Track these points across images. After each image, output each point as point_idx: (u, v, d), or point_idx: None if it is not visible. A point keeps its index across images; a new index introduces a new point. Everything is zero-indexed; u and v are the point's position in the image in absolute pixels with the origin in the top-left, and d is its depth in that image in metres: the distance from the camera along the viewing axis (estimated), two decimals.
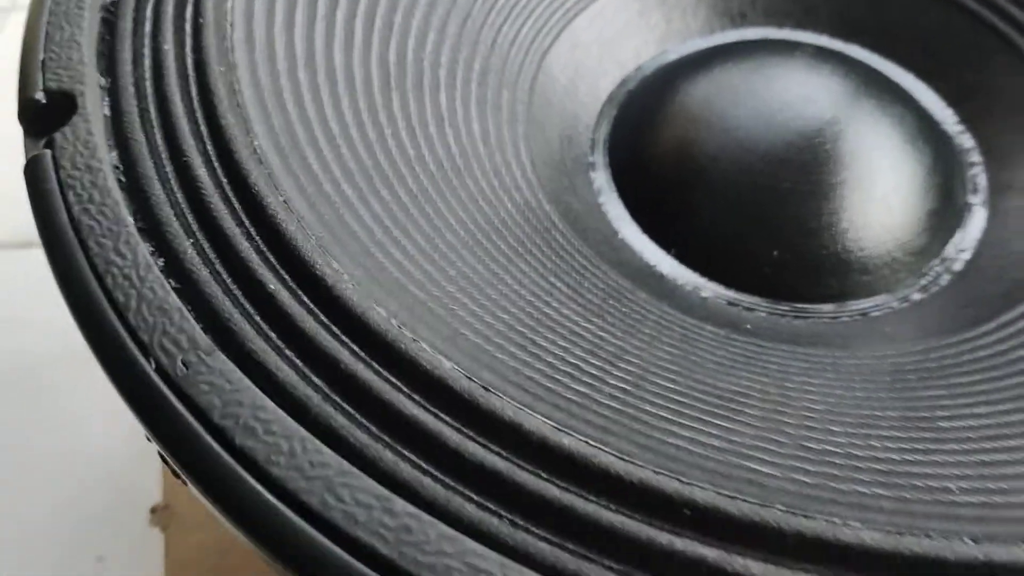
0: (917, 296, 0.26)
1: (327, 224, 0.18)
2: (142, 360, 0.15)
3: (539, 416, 0.15)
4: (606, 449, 0.15)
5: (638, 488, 0.15)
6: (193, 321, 0.16)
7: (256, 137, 0.19)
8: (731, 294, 0.25)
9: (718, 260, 0.26)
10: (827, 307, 0.26)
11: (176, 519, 0.30)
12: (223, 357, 0.15)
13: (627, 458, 0.15)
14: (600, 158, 0.28)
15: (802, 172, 0.26)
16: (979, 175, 0.28)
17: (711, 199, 0.26)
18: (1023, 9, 0.29)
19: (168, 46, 0.20)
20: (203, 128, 0.19)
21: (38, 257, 0.17)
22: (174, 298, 0.16)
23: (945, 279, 0.26)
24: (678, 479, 0.15)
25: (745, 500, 0.15)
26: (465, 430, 0.15)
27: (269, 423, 0.15)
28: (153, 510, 0.30)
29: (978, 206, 0.28)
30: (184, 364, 0.15)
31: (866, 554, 0.14)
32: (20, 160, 0.18)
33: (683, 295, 0.25)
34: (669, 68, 0.30)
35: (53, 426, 0.34)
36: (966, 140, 0.29)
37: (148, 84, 0.19)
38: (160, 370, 0.15)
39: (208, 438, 0.14)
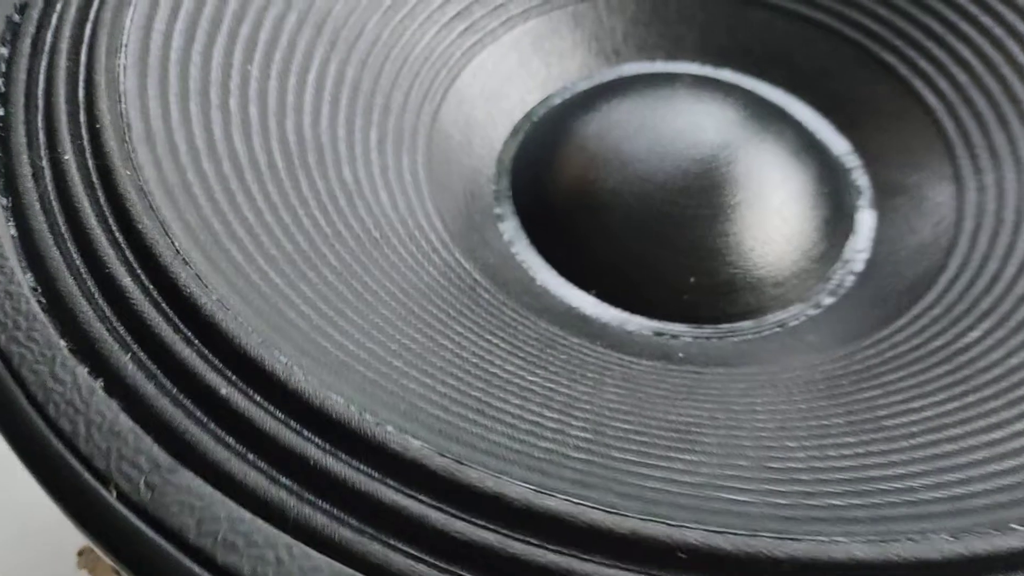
0: (828, 300, 0.27)
1: (264, 316, 0.18)
2: (101, 490, 0.15)
3: (518, 482, 0.15)
4: (590, 504, 0.15)
5: (630, 538, 0.15)
6: (149, 440, 0.15)
7: (176, 238, 0.18)
8: (655, 324, 0.26)
9: (637, 293, 0.26)
10: (747, 323, 0.26)
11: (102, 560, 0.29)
12: (188, 473, 0.15)
13: (612, 510, 0.15)
14: (506, 208, 0.28)
15: (702, 197, 0.27)
16: (860, 178, 0.30)
17: (619, 234, 0.27)
18: (875, 20, 0.31)
19: (68, 156, 0.19)
20: (119, 236, 0.18)
21: None
22: (124, 418, 0.15)
23: (850, 280, 0.27)
24: (665, 523, 0.15)
25: (734, 533, 0.15)
26: (448, 508, 0.15)
27: (250, 535, 0.14)
28: (80, 552, 0.29)
29: (865, 208, 0.29)
30: (148, 486, 0.14)
31: (858, 567, 0.15)
32: None
33: (610, 332, 0.25)
34: (556, 112, 0.31)
35: None
36: (842, 145, 0.30)
37: (53, 198, 0.19)
38: (123, 497, 0.14)
39: (188, 561, 0.14)
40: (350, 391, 0.16)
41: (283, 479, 0.15)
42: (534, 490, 0.15)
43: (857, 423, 0.20)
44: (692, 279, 0.26)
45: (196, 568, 0.14)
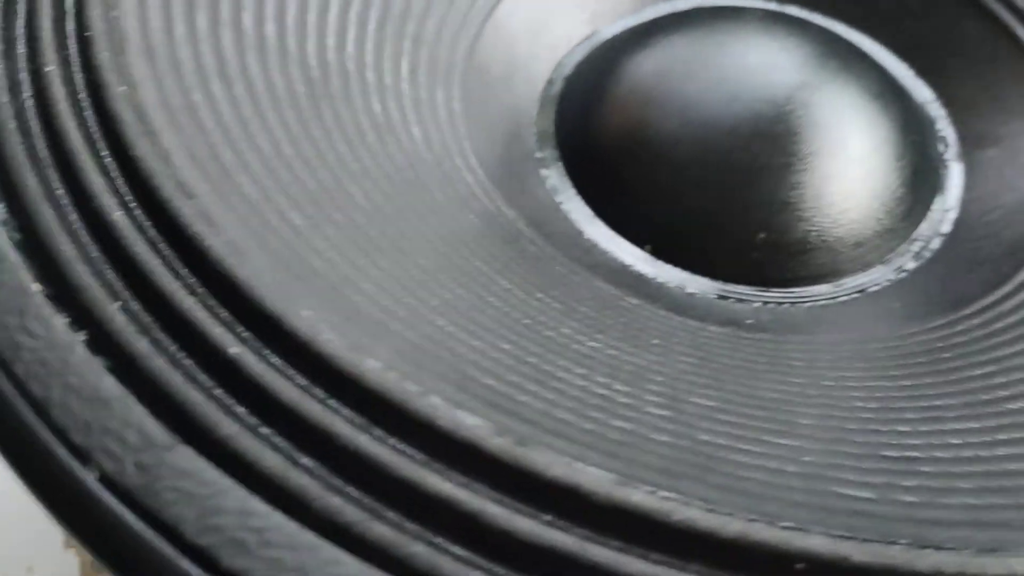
0: (912, 264, 0.24)
1: (284, 262, 0.15)
2: (79, 470, 0.12)
3: (594, 468, 0.12)
4: (684, 499, 0.12)
5: (737, 544, 0.12)
6: (141, 409, 0.12)
7: (178, 167, 0.15)
8: (719, 286, 0.23)
9: (698, 250, 0.23)
10: (822, 288, 0.23)
11: None
12: (189, 451, 0.12)
13: (712, 507, 0.12)
14: (549, 153, 0.25)
15: (775, 144, 0.24)
16: (946, 128, 0.27)
17: (679, 184, 0.24)
18: None
19: (51, 67, 0.16)
20: (110, 163, 0.15)
21: None
22: (111, 382, 0.12)
23: (936, 242, 0.24)
24: (779, 525, 0.12)
25: (864, 539, 0.12)
26: (510, 501, 0.12)
27: (264, 531, 0.11)
28: None
29: (952, 161, 0.26)
30: (138, 467, 0.12)
31: None
32: None
33: (669, 294, 0.22)
34: (608, 48, 0.27)
35: None
36: (925, 93, 0.27)
37: (33, 115, 0.16)
38: (106, 479, 0.12)
39: (184, 563, 0.11)
40: (388, 354, 0.14)
41: (306, 460, 0.12)
42: (614, 480, 0.12)
43: (975, 405, 0.17)
44: (761, 235, 0.23)
45: (195, 572, 0.11)
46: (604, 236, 0.24)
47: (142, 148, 0.15)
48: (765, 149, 0.23)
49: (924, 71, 0.28)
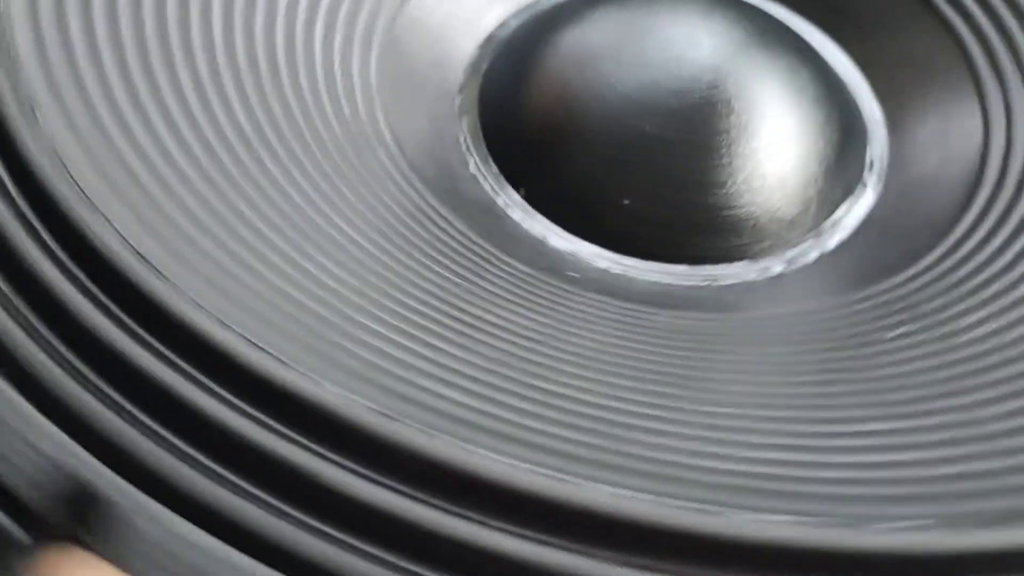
0: (778, 268, 0.24)
1: (142, 218, 0.16)
2: None
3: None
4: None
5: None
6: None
7: (52, 135, 0.16)
8: (573, 240, 0.23)
9: (564, 201, 0.24)
10: (678, 268, 0.23)
11: None
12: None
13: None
14: (470, 101, 0.26)
15: (678, 118, 0.24)
16: (879, 136, 0.26)
17: (567, 139, 0.24)
18: None
19: None
20: None
21: None
22: None
23: (813, 255, 0.24)
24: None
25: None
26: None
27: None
28: None
29: (876, 167, 0.25)
30: None
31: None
32: None
33: (519, 236, 0.23)
34: (557, 8, 0.28)
35: None
36: (872, 102, 0.26)
37: None
38: None
39: None
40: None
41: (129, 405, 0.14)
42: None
43: (725, 381, 0.18)
44: (626, 202, 0.23)
45: None
46: (487, 172, 0.24)
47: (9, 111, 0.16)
48: (665, 122, 0.24)
49: (875, 79, 0.27)
